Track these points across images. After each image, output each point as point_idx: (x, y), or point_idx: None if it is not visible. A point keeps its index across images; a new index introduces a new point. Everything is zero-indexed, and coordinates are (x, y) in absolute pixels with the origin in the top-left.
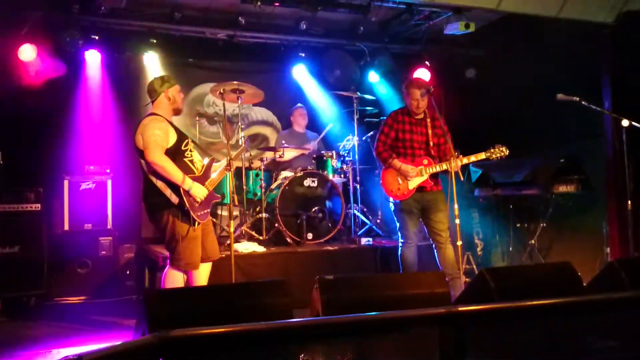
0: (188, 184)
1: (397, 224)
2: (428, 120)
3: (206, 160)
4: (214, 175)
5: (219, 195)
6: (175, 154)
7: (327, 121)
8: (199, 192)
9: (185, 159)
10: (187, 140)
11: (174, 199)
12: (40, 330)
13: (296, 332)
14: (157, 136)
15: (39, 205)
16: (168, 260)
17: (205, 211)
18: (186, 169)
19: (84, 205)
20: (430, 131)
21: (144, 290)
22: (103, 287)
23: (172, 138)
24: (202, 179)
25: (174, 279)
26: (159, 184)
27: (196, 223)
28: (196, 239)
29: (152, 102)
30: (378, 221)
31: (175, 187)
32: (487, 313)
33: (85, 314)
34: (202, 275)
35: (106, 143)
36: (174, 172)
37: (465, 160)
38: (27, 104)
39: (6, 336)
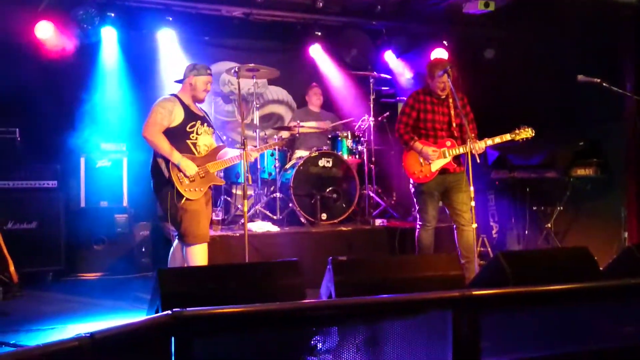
0: (177, 158)
1: (417, 206)
2: (450, 100)
3: (217, 145)
4: (223, 159)
5: (222, 180)
6: (179, 134)
7: (342, 100)
8: (188, 167)
9: (188, 141)
10: (194, 123)
11: (166, 173)
12: (56, 305)
13: (309, 314)
14: (157, 113)
15: (55, 182)
16: (177, 237)
17: (198, 189)
18: (186, 150)
19: (100, 182)
20: (452, 111)
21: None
22: (119, 263)
23: (178, 119)
24: (201, 159)
25: (194, 255)
26: (159, 160)
27: (184, 198)
28: (197, 212)
29: (182, 81)
30: (393, 202)
31: (169, 163)
32: (502, 297)
33: (101, 290)
34: (199, 254)
35: (122, 120)
36: (164, 147)
37: (489, 142)
38: (44, 81)
39: (23, 311)
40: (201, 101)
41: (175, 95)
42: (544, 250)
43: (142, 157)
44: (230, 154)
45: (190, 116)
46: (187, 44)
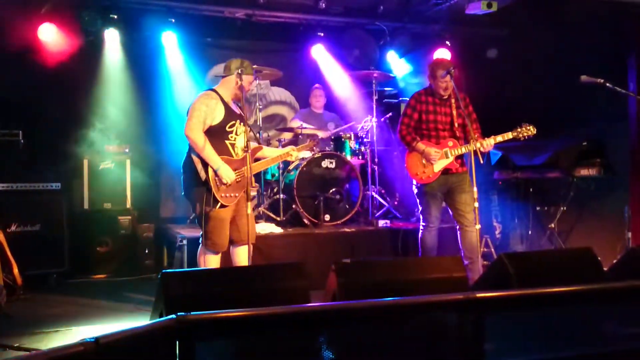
0: (217, 163)
1: (419, 207)
2: (452, 100)
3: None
4: (260, 161)
5: (256, 184)
6: (218, 133)
7: (345, 101)
8: (227, 174)
9: (227, 141)
10: (234, 122)
11: (202, 174)
12: (60, 307)
13: (313, 317)
14: (201, 111)
15: (59, 184)
16: (201, 239)
17: (234, 194)
18: (224, 151)
19: (104, 184)
20: (454, 111)
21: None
22: (122, 265)
23: (219, 116)
24: (238, 162)
25: (208, 261)
26: (194, 158)
27: (218, 204)
28: (223, 220)
29: (222, 77)
30: (396, 203)
31: (206, 164)
32: (506, 300)
33: (104, 292)
34: (240, 257)
35: (125, 122)
36: (206, 148)
37: (492, 141)
38: (47, 84)
39: (27, 313)
40: (239, 100)
41: (215, 91)
42: (547, 251)
43: (145, 158)
44: (268, 154)
45: (231, 115)
46: (190, 46)
